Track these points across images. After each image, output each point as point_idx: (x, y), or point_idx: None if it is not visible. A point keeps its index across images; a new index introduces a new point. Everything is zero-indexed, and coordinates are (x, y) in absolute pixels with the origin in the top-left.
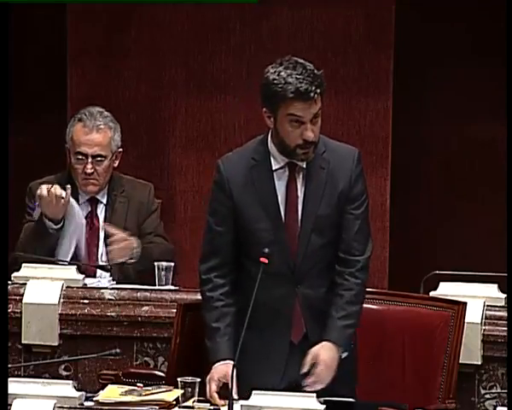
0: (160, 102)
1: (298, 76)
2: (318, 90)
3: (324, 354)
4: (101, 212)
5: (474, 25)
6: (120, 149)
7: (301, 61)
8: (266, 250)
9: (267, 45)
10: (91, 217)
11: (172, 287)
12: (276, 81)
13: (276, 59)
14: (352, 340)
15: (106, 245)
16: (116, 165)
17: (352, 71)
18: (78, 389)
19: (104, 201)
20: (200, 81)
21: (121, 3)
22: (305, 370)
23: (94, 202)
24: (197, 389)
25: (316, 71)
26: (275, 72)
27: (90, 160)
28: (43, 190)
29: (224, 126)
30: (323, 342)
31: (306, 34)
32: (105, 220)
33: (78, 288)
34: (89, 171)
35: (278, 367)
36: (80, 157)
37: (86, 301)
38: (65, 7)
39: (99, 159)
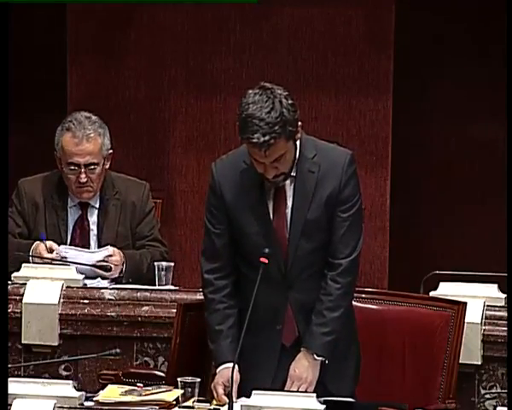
0: (160, 102)
1: (258, 122)
2: (272, 141)
3: (296, 369)
4: (91, 216)
5: (474, 25)
6: (111, 151)
7: (277, 92)
8: (267, 250)
9: (267, 45)
10: (82, 221)
11: (172, 287)
12: (241, 116)
13: (276, 59)
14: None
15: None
16: (107, 166)
17: (352, 71)
18: (78, 389)
19: (97, 205)
20: (200, 81)
21: (121, 3)
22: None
23: (84, 205)
24: (197, 389)
25: (285, 110)
26: (245, 104)
27: (83, 169)
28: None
29: (224, 126)
30: (299, 353)
31: (306, 34)
32: (98, 225)
33: (78, 288)
34: (83, 180)
35: (269, 370)
36: (73, 168)
37: (86, 301)
38: (65, 7)
39: (92, 167)
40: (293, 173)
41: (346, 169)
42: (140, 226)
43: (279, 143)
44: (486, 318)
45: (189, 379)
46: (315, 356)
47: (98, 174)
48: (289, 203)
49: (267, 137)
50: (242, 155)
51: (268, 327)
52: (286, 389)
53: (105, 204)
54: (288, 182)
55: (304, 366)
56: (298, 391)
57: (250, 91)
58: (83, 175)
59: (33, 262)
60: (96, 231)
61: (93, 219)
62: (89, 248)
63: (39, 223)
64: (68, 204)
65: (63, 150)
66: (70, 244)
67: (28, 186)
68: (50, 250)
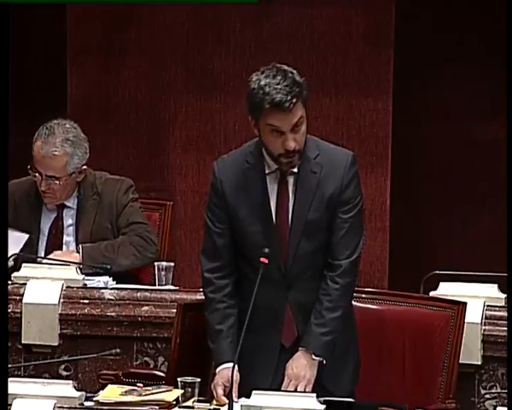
0: (159, 102)
1: (276, 86)
2: (294, 100)
3: (294, 367)
4: (68, 216)
5: (475, 25)
6: (85, 167)
7: (284, 67)
8: (267, 250)
9: (267, 45)
10: (57, 221)
11: (172, 287)
12: (255, 91)
13: (276, 59)
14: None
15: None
16: (80, 179)
17: (352, 71)
18: (78, 389)
19: (74, 206)
20: (200, 81)
21: (121, 3)
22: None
23: (60, 206)
24: (197, 389)
25: (297, 78)
26: (256, 80)
27: (43, 177)
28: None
29: (224, 126)
30: (297, 352)
31: (306, 34)
32: (76, 225)
33: (78, 288)
34: (42, 189)
35: (269, 370)
36: (36, 173)
37: (86, 301)
38: (65, 7)
39: (54, 180)
40: (295, 170)
41: (348, 170)
42: (119, 220)
43: (298, 105)
44: (486, 318)
45: (189, 379)
46: (313, 356)
47: (60, 186)
48: (291, 203)
49: (289, 97)
50: (244, 155)
51: (268, 327)
52: (283, 387)
53: (82, 205)
54: (290, 181)
55: (301, 365)
56: (295, 391)
57: (255, 73)
58: (43, 183)
59: None
60: (71, 232)
61: (69, 219)
62: (61, 248)
63: (15, 222)
64: (45, 204)
65: (33, 152)
66: (46, 244)
67: (13, 187)
68: None
